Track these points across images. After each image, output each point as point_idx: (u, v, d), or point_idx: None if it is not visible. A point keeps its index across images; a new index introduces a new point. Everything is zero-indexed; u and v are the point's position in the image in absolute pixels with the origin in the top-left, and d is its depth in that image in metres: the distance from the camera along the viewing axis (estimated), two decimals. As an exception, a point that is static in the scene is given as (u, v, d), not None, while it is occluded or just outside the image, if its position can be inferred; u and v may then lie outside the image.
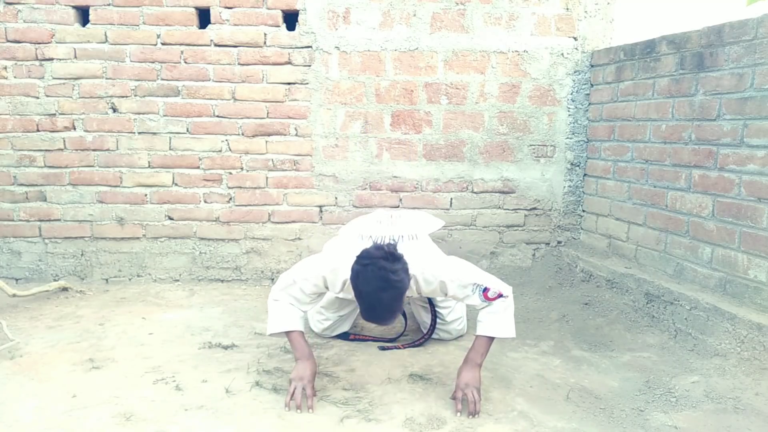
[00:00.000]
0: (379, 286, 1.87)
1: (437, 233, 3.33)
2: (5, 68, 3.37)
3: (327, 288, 2.23)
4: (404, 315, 2.75)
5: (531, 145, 3.58)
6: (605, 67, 3.38)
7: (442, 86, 3.49)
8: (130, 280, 3.57)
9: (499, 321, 2.14)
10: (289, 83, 3.45)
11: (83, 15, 3.39)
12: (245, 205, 3.55)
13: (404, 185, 3.57)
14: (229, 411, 2.01)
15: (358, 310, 2.27)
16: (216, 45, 3.40)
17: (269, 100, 3.46)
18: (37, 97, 3.40)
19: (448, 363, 2.43)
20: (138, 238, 3.55)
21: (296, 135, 3.50)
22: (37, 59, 3.36)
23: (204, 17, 3.40)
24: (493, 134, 3.55)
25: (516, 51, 3.48)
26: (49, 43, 3.35)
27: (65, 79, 3.39)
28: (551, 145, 3.59)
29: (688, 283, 2.75)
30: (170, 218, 3.55)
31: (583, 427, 1.95)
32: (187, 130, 3.47)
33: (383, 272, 1.87)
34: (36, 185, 3.49)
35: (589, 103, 3.56)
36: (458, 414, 2.00)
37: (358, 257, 1.96)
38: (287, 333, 2.19)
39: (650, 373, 2.36)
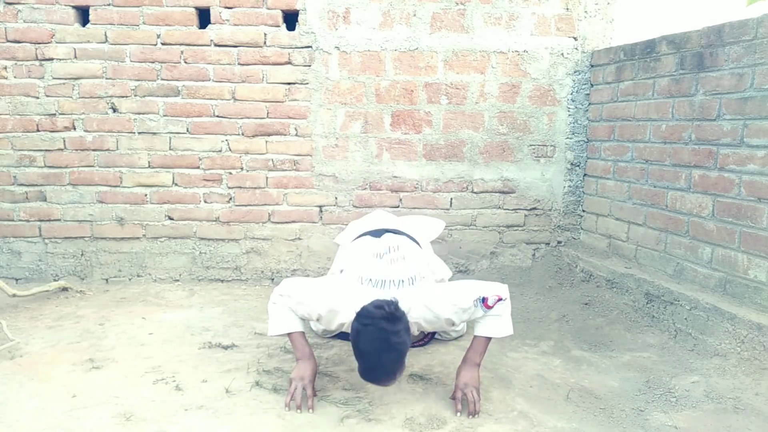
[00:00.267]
0: (380, 347, 1.82)
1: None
2: (5, 68, 3.37)
3: (318, 321, 2.19)
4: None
5: (531, 145, 3.58)
6: (605, 67, 3.38)
7: (442, 86, 3.49)
8: (130, 280, 3.57)
9: (497, 321, 2.14)
10: (289, 83, 3.45)
11: (83, 15, 3.39)
12: (245, 205, 3.55)
13: (404, 185, 3.57)
14: (229, 411, 2.02)
15: None
16: (216, 45, 3.40)
17: (269, 100, 3.46)
18: (37, 97, 3.40)
19: (448, 363, 2.43)
20: (138, 238, 3.55)
21: (296, 135, 3.50)
22: (37, 59, 3.36)
23: (204, 17, 3.40)
24: (493, 134, 3.55)
25: (516, 51, 3.48)
26: (49, 43, 3.35)
27: (65, 79, 3.39)
28: (551, 145, 3.59)
29: (688, 283, 2.75)
30: (170, 218, 3.55)
31: (583, 427, 1.95)
32: (187, 130, 3.47)
33: (384, 334, 1.82)
34: (36, 185, 3.49)
35: (589, 103, 3.56)
36: (458, 414, 2.00)
37: (358, 314, 1.89)
38: (288, 333, 2.19)
39: (650, 373, 2.36)
